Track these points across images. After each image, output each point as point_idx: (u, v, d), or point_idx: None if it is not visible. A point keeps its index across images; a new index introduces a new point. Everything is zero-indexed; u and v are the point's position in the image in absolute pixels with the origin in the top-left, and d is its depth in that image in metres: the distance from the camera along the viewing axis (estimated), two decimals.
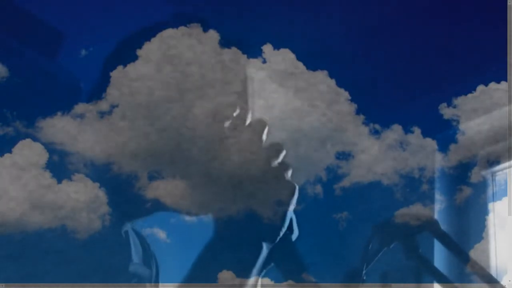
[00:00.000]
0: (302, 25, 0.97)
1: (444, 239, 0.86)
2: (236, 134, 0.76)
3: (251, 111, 0.80)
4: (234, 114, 0.78)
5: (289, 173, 0.78)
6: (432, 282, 0.85)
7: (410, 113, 0.97)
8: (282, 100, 0.86)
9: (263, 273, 0.78)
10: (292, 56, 0.87)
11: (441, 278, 0.84)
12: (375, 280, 0.87)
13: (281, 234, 0.77)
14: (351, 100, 0.86)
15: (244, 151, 0.75)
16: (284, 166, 0.78)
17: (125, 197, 0.78)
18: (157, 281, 0.87)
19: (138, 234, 0.86)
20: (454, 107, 0.90)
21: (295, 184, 0.78)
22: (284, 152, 0.79)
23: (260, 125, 0.79)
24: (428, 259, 0.86)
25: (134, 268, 0.81)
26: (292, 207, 0.78)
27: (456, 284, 0.84)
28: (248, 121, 0.79)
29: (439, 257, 0.92)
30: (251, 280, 0.76)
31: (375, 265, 0.86)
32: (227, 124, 0.77)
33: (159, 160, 0.76)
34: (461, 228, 0.99)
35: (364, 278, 0.85)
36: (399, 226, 0.85)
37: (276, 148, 0.78)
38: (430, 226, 0.86)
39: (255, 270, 0.76)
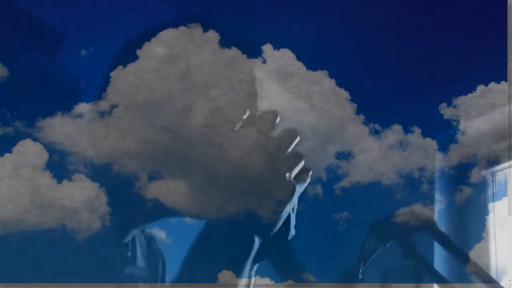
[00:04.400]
0: (302, 25, 0.97)
1: (442, 238, 0.87)
2: (243, 132, 0.76)
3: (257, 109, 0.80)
4: (244, 115, 0.78)
5: (292, 172, 0.78)
6: (430, 281, 0.85)
7: (410, 113, 0.97)
8: (282, 100, 0.86)
9: (254, 270, 0.78)
10: (292, 56, 0.87)
11: (438, 277, 0.84)
12: (376, 280, 0.87)
13: (275, 229, 0.77)
14: (351, 100, 0.86)
15: (245, 150, 0.75)
16: (287, 165, 0.78)
17: (125, 197, 0.78)
18: (163, 280, 0.86)
19: (145, 234, 0.86)
20: (454, 107, 0.90)
21: (295, 184, 0.78)
22: (297, 140, 0.79)
23: (267, 120, 0.79)
24: (425, 258, 0.86)
25: (130, 271, 0.81)
26: (289, 206, 0.78)
27: (455, 284, 0.84)
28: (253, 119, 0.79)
29: (438, 257, 0.92)
30: (244, 275, 0.76)
31: (375, 264, 0.86)
32: (238, 124, 0.77)
33: (159, 160, 0.76)
34: (461, 228, 0.99)
35: (360, 276, 0.85)
36: (396, 225, 0.85)
37: (287, 138, 0.78)
38: (427, 226, 0.86)
39: (247, 265, 0.76)
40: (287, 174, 0.77)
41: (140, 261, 0.83)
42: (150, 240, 0.87)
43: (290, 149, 0.78)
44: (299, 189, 0.79)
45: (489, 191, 0.97)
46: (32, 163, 0.73)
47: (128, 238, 0.81)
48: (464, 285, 0.85)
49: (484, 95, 0.90)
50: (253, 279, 0.78)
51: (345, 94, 0.86)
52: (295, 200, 0.79)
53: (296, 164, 0.78)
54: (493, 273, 0.90)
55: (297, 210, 0.82)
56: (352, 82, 0.88)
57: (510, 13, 0.88)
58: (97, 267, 0.75)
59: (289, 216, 0.79)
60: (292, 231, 0.81)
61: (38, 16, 0.88)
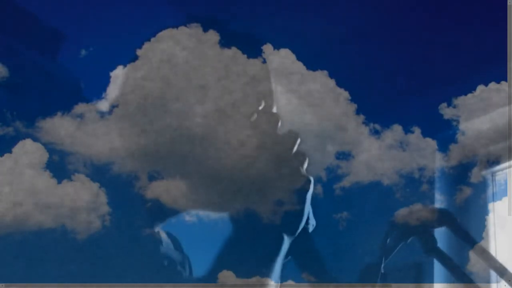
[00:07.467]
0: (302, 25, 0.97)
1: (463, 233, 0.87)
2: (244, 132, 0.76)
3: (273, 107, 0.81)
4: (260, 108, 0.78)
5: (304, 166, 0.79)
6: (452, 280, 0.85)
7: (410, 113, 0.97)
8: (282, 100, 0.86)
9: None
10: (292, 56, 0.87)
11: (458, 273, 0.84)
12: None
13: (303, 224, 0.78)
14: (351, 100, 0.86)
15: (246, 150, 0.75)
16: (299, 160, 0.78)
17: (125, 197, 0.78)
18: (191, 279, 0.86)
19: (169, 235, 0.86)
20: (454, 107, 0.90)
21: (310, 177, 0.78)
22: (298, 141, 0.79)
23: (273, 120, 0.79)
24: (445, 254, 0.86)
25: (165, 250, 0.81)
26: (309, 200, 0.78)
27: (480, 285, 0.84)
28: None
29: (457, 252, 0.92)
30: (275, 276, 0.76)
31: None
32: (253, 118, 0.77)
33: (159, 160, 0.76)
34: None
35: (383, 271, 0.85)
36: (416, 220, 0.85)
37: (291, 139, 0.79)
38: (448, 221, 0.86)
39: (278, 265, 0.77)
40: (302, 169, 0.77)
41: (168, 259, 0.82)
42: (174, 241, 0.87)
43: (296, 147, 0.79)
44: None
45: (489, 191, 0.97)
46: (32, 163, 0.73)
47: (130, 238, 0.81)
48: (484, 285, 0.85)
49: (484, 95, 0.90)
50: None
51: (345, 94, 0.86)
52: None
53: (304, 160, 0.79)
54: (492, 273, 0.90)
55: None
56: (352, 82, 0.88)
57: (510, 13, 0.88)
58: (97, 267, 0.75)
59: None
60: (313, 222, 0.81)
61: (38, 16, 0.88)
